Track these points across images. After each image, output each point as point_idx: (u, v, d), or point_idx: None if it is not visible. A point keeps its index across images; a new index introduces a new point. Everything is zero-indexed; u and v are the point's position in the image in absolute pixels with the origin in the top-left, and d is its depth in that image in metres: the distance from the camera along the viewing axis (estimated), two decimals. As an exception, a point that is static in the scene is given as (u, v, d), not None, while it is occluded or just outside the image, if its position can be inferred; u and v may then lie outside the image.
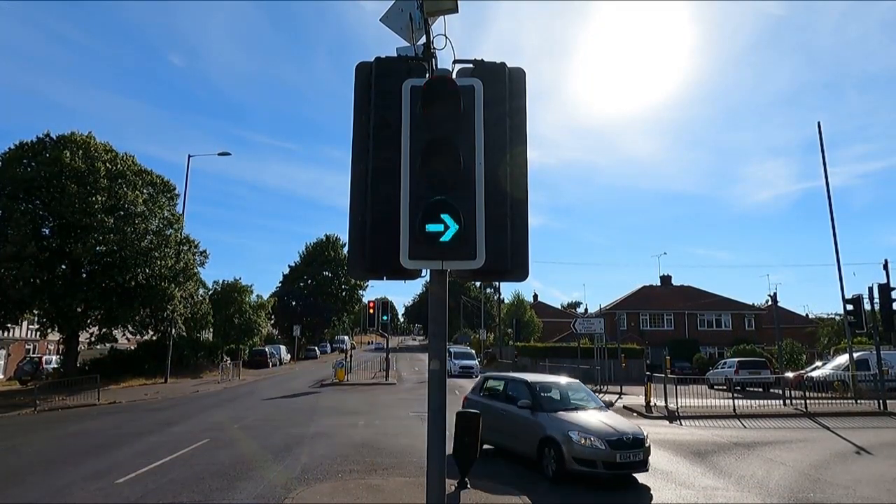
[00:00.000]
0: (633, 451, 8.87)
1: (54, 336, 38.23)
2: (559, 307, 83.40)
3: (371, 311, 29.82)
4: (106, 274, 28.50)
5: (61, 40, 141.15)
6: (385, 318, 31.62)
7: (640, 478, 9.37)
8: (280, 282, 76.59)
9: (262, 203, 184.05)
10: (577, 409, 10.14)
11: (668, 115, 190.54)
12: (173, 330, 33.48)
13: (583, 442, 8.85)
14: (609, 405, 10.32)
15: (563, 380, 11.86)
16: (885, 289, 19.17)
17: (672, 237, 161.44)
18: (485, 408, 10.77)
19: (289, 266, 76.90)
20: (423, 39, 4.38)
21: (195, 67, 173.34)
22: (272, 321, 69.62)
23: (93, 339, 32.90)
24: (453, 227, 3.62)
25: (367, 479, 9.08)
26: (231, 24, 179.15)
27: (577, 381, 11.98)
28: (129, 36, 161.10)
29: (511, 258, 3.84)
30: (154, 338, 35.07)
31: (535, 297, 74.60)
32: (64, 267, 28.27)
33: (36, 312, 29.96)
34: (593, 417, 9.64)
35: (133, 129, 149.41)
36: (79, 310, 28.11)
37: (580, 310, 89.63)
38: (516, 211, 3.94)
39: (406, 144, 3.78)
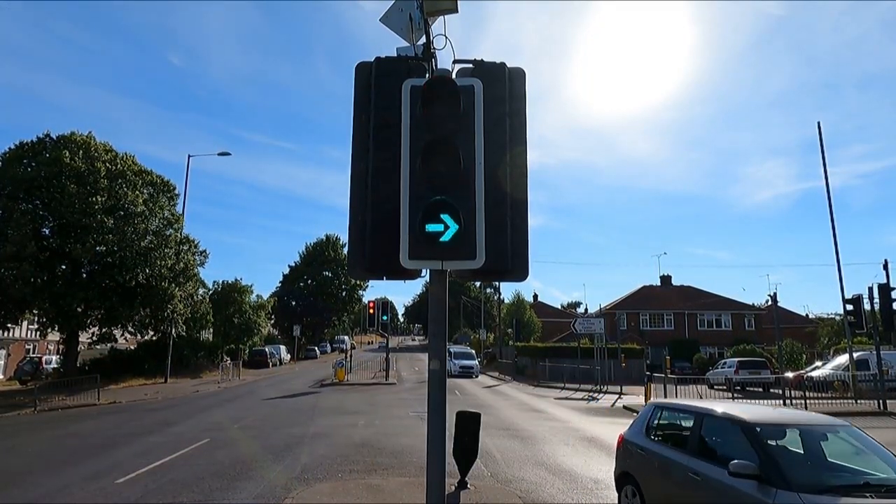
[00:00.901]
0: None
1: (54, 336, 38.25)
2: (559, 307, 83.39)
3: (371, 311, 29.84)
4: (106, 274, 28.51)
5: (61, 40, 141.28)
6: (385, 317, 31.64)
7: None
8: (280, 282, 76.68)
9: (262, 203, 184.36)
10: (864, 488, 4.58)
11: (668, 115, 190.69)
12: (173, 330, 33.49)
13: None
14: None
15: (813, 418, 6.09)
16: (885, 289, 19.17)
17: (672, 237, 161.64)
18: (656, 462, 6.33)
19: (289, 266, 77.04)
20: (423, 39, 4.39)
21: (194, 67, 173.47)
22: (272, 321, 69.61)
23: (93, 338, 32.92)
24: (453, 227, 3.62)
25: (368, 479, 9.08)
26: (229, 23, 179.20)
27: (845, 421, 5.90)
28: (129, 36, 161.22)
29: (511, 258, 3.84)
30: (154, 338, 35.09)
31: (535, 296, 74.60)
32: (64, 267, 28.28)
33: (36, 312, 29.98)
34: None
35: (133, 129, 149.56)
36: (79, 310, 28.11)
37: (580, 310, 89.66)
38: (516, 211, 3.94)
39: (406, 144, 3.78)
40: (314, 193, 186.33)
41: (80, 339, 31.71)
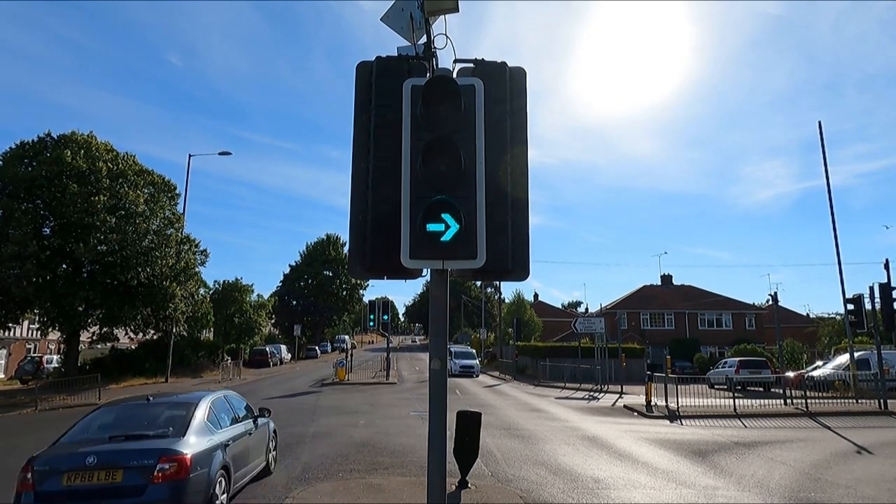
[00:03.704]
0: None
1: (55, 335, 38.27)
2: (560, 307, 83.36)
3: (372, 316, 30.12)
4: (107, 273, 28.53)
5: (61, 40, 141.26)
6: (386, 317, 31.66)
7: (641, 478, 9.37)
8: (281, 281, 76.69)
9: (262, 203, 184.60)
10: None
11: (668, 115, 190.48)
12: (175, 329, 33.51)
13: None
14: None
15: None
16: (885, 288, 19.13)
17: (672, 237, 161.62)
18: None
19: (289, 265, 76.99)
20: (424, 39, 4.39)
21: (194, 67, 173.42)
22: (273, 320, 69.66)
23: (94, 338, 32.96)
24: (454, 227, 3.61)
25: (368, 479, 9.08)
26: (229, 23, 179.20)
27: None
28: (129, 36, 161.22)
29: (512, 258, 3.84)
30: (155, 337, 35.10)
31: (536, 296, 74.59)
32: (65, 266, 28.30)
33: (37, 312, 30.01)
34: None
35: (133, 129, 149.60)
36: (80, 309, 28.14)
37: (580, 309, 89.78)
38: (517, 210, 3.94)
39: (407, 144, 3.78)
40: (314, 193, 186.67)
41: (80, 339, 31.74)
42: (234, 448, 7.56)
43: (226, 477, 7.07)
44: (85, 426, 7.04)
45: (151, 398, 7.78)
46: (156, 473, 5.98)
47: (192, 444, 6.55)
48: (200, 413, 7.24)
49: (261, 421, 9.23)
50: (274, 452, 9.94)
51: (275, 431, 10.17)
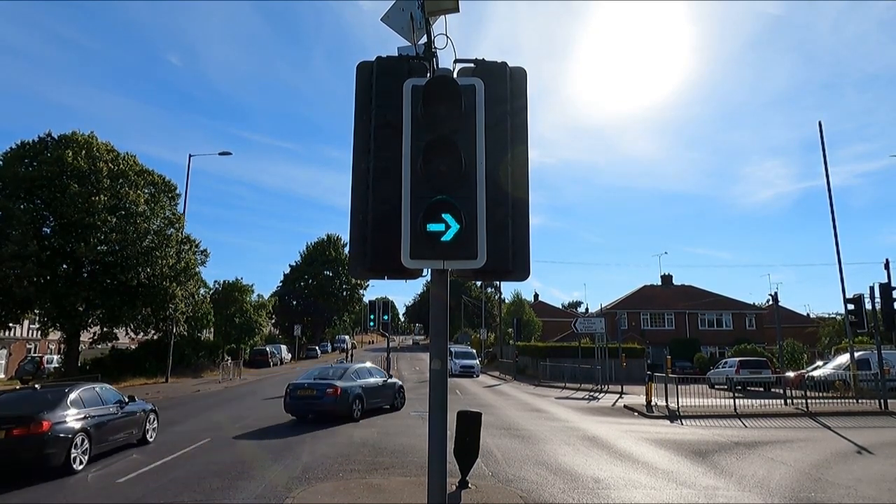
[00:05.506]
0: None
1: (55, 335, 38.26)
2: (560, 307, 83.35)
3: (372, 316, 30.03)
4: (107, 273, 28.55)
5: (61, 40, 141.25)
6: (386, 317, 31.62)
7: (641, 478, 9.38)
8: (281, 281, 76.65)
9: (262, 203, 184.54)
10: None
11: (668, 115, 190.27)
12: (175, 329, 33.52)
13: None
14: None
15: None
16: (886, 288, 19.13)
17: (672, 237, 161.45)
18: None
19: (290, 266, 76.94)
20: (424, 39, 4.39)
21: (194, 67, 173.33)
22: (273, 321, 69.68)
23: (95, 338, 33.00)
24: (454, 227, 3.62)
25: (368, 479, 9.08)
26: (229, 23, 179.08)
27: None
28: (129, 36, 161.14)
29: (512, 258, 3.84)
30: (155, 337, 35.11)
31: (536, 296, 74.58)
32: (65, 266, 28.32)
33: (37, 312, 30.04)
34: None
35: (133, 129, 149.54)
36: (80, 309, 28.16)
37: (581, 309, 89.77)
38: (517, 210, 3.94)
39: (407, 144, 3.78)
40: (314, 193, 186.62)
41: (81, 339, 31.76)
42: (366, 389, 16.46)
43: (361, 400, 15.96)
44: (304, 374, 17.21)
45: (330, 367, 17.76)
46: (327, 392, 15.10)
47: (342, 383, 15.59)
48: (350, 371, 16.56)
49: (391, 381, 18.62)
50: (396, 401, 18.31)
51: (401, 387, 19.15)
